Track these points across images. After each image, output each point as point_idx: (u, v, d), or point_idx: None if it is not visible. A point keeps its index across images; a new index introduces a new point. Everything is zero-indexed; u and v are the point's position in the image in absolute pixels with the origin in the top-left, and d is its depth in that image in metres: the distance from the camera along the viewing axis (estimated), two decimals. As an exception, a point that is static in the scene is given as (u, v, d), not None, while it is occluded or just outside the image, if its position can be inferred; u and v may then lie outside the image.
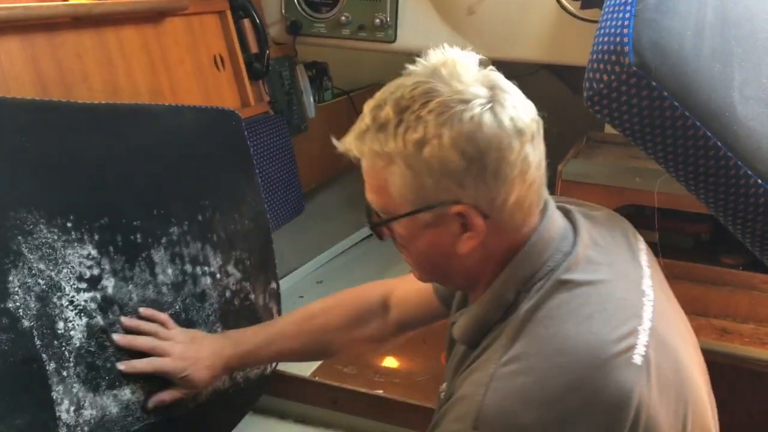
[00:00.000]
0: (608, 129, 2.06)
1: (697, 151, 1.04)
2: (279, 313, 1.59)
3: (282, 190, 1.91)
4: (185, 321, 1.29)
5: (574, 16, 1.61)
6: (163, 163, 1.30)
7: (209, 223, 1.36)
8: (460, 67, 0.89)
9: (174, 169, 1.32)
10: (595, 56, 1.06)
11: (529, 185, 0.89)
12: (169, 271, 1.27)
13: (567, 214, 0.99)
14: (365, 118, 0.91)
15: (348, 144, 0.93)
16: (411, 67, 0.92)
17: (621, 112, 1.06)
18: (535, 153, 0.89)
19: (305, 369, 1.70)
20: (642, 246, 1.05)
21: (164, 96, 1.51)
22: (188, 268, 1.31)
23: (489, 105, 0.86)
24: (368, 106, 0.92)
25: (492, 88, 0.88)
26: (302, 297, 2.12)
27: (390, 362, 1.78)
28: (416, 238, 0.94)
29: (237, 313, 1.42)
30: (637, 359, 0.85)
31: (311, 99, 2.10)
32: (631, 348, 0.86)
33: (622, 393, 0.82)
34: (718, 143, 1.04)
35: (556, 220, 0.96)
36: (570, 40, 1.65)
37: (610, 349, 0.84)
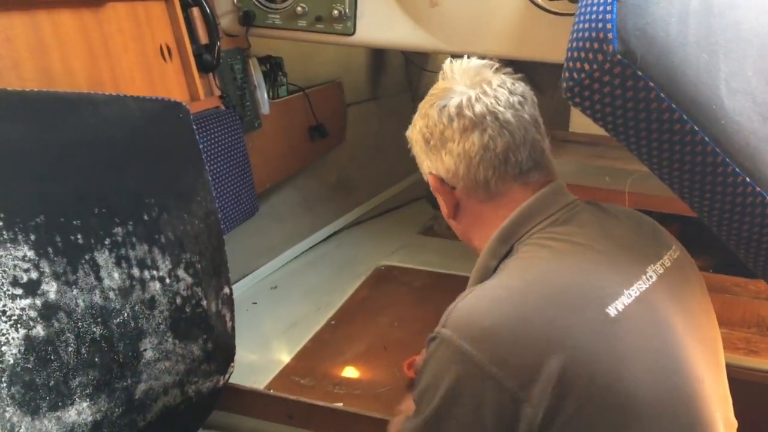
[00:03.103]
0: (572, 128, 2.01)
1: (683, 147, 0.98)
2: (232, 320, 1.48)
3: (234, 191, 1.81)
4: (134, 330, 1.19)
5: (543, 8, 1.55)
6: (103, 157, 1.20)
7: (156, 223, 1.25)
8: (459, 69, 1.15)
9: (116, 163, 1.22)
10: (575, 44, 0.99)
11: (480, 163, 1.07)
12: (115, 275, 1.17)
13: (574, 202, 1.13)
14: None
15: None
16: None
17: (603, 104, 0.98)
18: (483, 138, 1.06)
19: (259, 381, 1.60)
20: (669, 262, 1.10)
21: (105, 86, 1.39)
22: (135, 272, 1.21)
23: (452, 98, 1.09)
24: None
25: (475, 85, 1.10)
26: (255, 303, 2.02)
27: (350, 372, 1.68)
28: None
29: (189, 321, 1.32)
30: (612, 312, 0.93)
31: (265, 95, 2.00)
32: (612, 299, 0.95)
33: (578, 333, 0.91)
34: (706, 138, 0.97)
35: (547, 198, 1.10)
36: (538, 34, 1.59)
37: (591, 293, 0.95)
